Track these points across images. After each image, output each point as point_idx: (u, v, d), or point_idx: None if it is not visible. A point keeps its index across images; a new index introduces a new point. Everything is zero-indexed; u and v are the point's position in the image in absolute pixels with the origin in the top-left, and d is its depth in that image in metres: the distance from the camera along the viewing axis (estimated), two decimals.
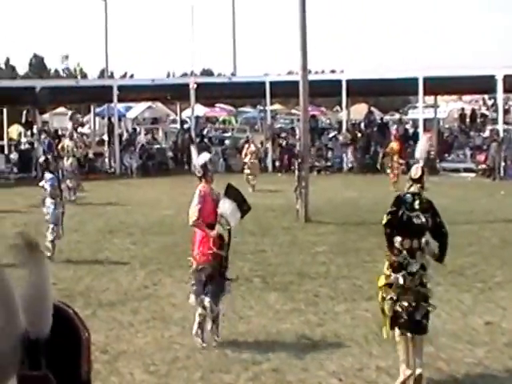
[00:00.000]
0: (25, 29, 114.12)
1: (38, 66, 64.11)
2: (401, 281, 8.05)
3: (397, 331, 8.12)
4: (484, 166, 31.63)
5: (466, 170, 32.70)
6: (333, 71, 55.27)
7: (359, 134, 35.79)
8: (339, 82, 34.02)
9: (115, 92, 34.35)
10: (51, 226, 14.71)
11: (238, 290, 11.97)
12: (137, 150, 35.16)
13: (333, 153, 34.10)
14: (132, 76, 57.51)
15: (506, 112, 37.84)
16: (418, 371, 7.90)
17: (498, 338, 9.63)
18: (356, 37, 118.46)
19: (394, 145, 27.52)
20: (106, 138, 38.99)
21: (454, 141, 36.78)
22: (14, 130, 42.39)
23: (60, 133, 36.59)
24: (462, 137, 37.06)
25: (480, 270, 13.55)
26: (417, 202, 8.17)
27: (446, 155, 34.78)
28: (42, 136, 35.64)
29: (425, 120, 35.27)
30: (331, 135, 37.74)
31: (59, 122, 44.20)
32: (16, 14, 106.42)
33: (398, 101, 59.68)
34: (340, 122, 40.43)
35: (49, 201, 14.93)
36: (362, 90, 36.21)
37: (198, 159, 10.34)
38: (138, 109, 48.16)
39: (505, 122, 34.17)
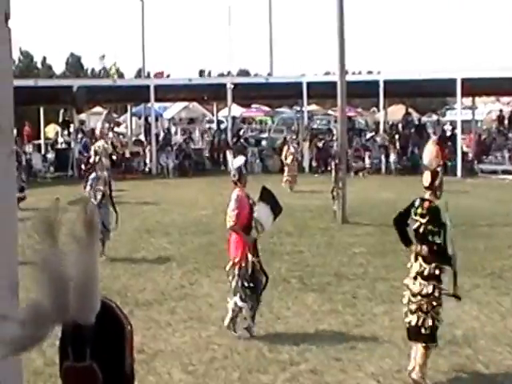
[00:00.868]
0: (61, 28, 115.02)
1: (74, 66, 64.51)
2: (406, 282, 8.18)
3: None
4: None
5: (504, 171, 32.37)
6: (370, 72, 54.96)
7: (397, 136, 35.56)
8: (377, 82, 33.85)
9: (152, 92, 34.47)
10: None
11: (275, 291, 11.97)
12: (173, 149, 35.26)
13: (370, 154, 33.91)
14: (168, 76, 57.61)
15: None
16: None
17: None
18: (393, 37, 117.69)
19: None
20: (142, 137, 39.16)
21: (492, 142, 36.39)
22: (51, 130, 42.74)
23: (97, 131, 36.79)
24: (500, 138, 36.64)
25: None
26: (420, 209, 8.08)
27: (484, 157, 34.44)
28: (79, 135, 35.93)
29: (462, 122, 34.93)
30: (368, 136, 37.56)
31: (96, 122, 44.49)
32: (53, 14, 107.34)
33: (435, 102, 59.26)
34: (377, 123, 40.22)
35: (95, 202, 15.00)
36: (399, 90, 36.01)
37: (234, 163, 10.38)
38: (174, 109, 48.33)
39: None
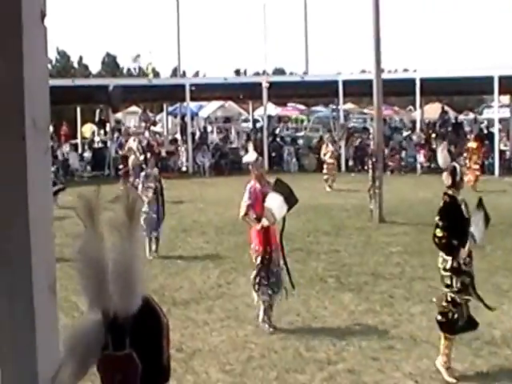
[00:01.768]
0: (97, 28, 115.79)
1: (110, 65, 64.90)
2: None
3: None
4: None
5: None
6: (406, 70, 54.61)
7: (433, 134, 35.27)
8: (413, 80, 33.60)
9: (188, 91, 34.55)
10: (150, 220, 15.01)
11: (312, 290, 11.96)
12: (209, 148, 35.32)
13: (406, 152, 33.68)
14: (204, 75, 57.80)
15: None
16: None
17: None
18: (429, 35, 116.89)
19: (474, 145, 26.95)
20: (178, 136, 39.28)
21: None
22: (88, 129, 43.05)
23: (132, 131, 37.00)
24: None
25: None
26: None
27: None
28: (115, 135, 36.15)
29: (500, 120, 34.55)
30: (405, 135, 37.32)
31: (131, 121, 44.78)
32: (89, 14, 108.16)
33: (471, 100, 58.69)
34: (413, 122, 39.94)
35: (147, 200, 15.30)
36: (435, 89, 35.67)
37: (245, 158, 10.70)
38: (210, 108, 48.41)
39: None
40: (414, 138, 34.94)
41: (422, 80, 33.09)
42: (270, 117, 39.13)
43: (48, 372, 1.91)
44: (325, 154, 27.52)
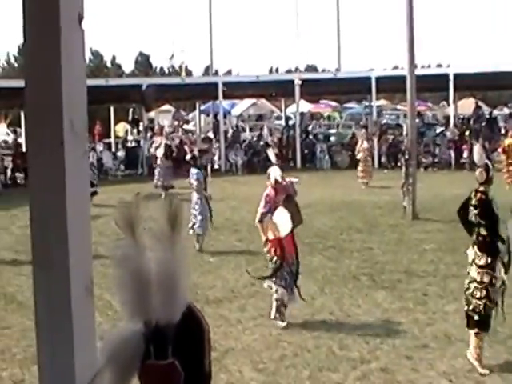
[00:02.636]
0: (130, 27, 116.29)
1: (143, 64, 65.21)
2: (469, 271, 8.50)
3: None
4: None
5: None
6: (439, 65, 54.24)
7: (467, 130, 34.98)
8: (446, 76, 33.39)
9: (220, 89, 34.61)
10: (199, 220, 15.13)
11: (345, 288, 11.94)
12: (242, 146, 35.33)
13: (440, 149, 33.44)
14: (237, 73, 57.83)
15: None
16: None
17: None
18: (462, 29, 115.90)
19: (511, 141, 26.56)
20: (210, 134, 39.37)
21: None
22: (121, 128, 43.31)
23: (166, 130, 37.12)
24: None
25: None
26: (473, 200, 8.49)
27: None
28: (148, 133, 36.31)
29: None
30: (438, 131, 37.06)
31: (164, 120, 44.94)
32: (121, 13, 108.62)
33: (505, 95, 58.11)
34: (447, 118, 39.65)
35: (195, 196, 15.54)
36: (469, 84, 35.42)
37: (270, 171, 11.29)
38: (242, 106, 48.47)
39: None
40: (448, 133, 34.67)
41: (455, 75, 32.88)
42: (302, 114, 39.06)
43: (85, 372, 1.93)
44: (359, 152, 27.38)
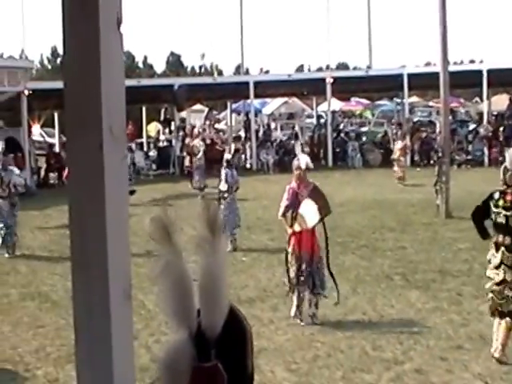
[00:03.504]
0: (161, 27, 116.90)
1: (174, 64, 65.46)
2: (488, 274, 8.68)
3: None
4: None
5: None
6: (472, 61, 53.87)
7: (501, 127, 34.63)
8: (480, 72, 33.11)
9: (251, 88, 34.60)
10: (230, 220, 15.30)
11: (378, 288, 11.87)
12: (273, 145, 35.30)
13: (473, 146, 33.14)
14: (267, 72, 57.82)
15: None
16: None
17: None
18: (495, 24, 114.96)
19: None
20: (242, 133, 39.39)
21: None
22: (153, 128, 43.49)
23: (196, 130, 37.25)
24: None
25: None
26: (501, 201, 8.63)
27: None
28: (180, 133, 36.42)
29: None
30: (471, 128, 36.74)
31: (196, 119, 45.06)
32: (153, 13, 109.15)
33: None
34: (480, 114, 39.32)
35: (225, 196, 15.69)
36: (503, 80, 35.00)
37: (295, 161, 11.16)
38: (273, 104, 48.44)
39: None
40: (481, 130, 34.34)
41: (489, 71, 32.58)
42: (333, 112, 38.96)
43: (123, 372, 1.92)
44: (394, 151, 27.24)
